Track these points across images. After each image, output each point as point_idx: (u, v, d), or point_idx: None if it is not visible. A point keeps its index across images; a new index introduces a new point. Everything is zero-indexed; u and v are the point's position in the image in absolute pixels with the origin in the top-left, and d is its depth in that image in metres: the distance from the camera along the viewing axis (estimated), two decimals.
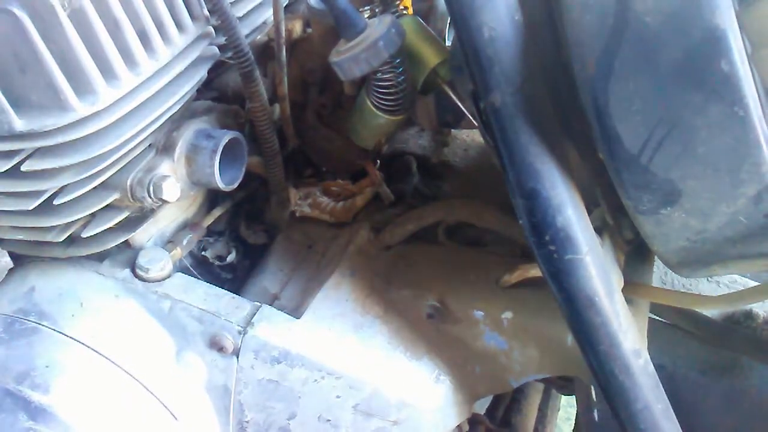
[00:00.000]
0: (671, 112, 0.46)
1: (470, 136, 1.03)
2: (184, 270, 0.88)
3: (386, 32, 0.71)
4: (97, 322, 0.77)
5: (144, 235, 0.83)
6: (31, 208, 0.69)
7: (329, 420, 0.78)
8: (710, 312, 0.88)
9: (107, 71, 0.65)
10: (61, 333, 0.75)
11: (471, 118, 0.81)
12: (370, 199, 0.93)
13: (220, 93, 0.92)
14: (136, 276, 0.80)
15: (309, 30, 0.92)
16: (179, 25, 0.72)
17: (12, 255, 0.90)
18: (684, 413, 0.62)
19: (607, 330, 0.55)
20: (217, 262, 0.93)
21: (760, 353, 0.82)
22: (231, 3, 0.75)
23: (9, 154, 0.66)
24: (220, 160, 0.77)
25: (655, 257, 0.68)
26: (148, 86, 0.70)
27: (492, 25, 0.50)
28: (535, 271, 0.74)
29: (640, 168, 0.48)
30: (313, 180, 0.98)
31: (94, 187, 0.72)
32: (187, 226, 0.88)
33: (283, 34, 0.82)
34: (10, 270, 0.85)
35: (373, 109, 0.82)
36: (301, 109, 0.94)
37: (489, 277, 0.79)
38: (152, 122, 0.71)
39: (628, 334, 0.56)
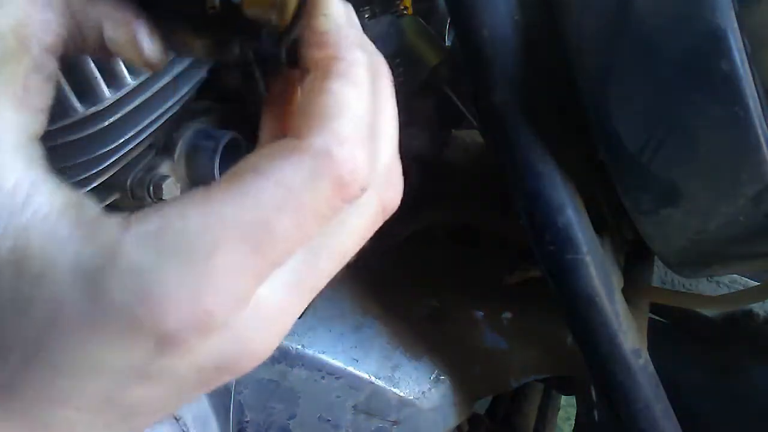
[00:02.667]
0: (671, 112, 0.46)
1: (470, 136, 1.03)
2: None
3: (384, 32, 0.71)
4: None
5: None
6: None
7: (329, 420, 0.78)
8: (710, 312, 0.88)
9: (108, 71, 0.65)
10: None
11: (471, 118, 0.81)
12: None
13: (220, 93, 0.92)
14: None
15: None
16: None
17: None
18: (684, 413, 0.62)
19: (607, 330, 0.55)
20: None
21: (760, 353, 0.82)
22: None
23: None
24: (220, 160, 0.77)
25: (655, 257, 0.68)
26: (149, 86, 0.70)
27: (492, 25, 0.50)
28: (535, 271, 0.74)
29: (640, 168, 0.48)
30: None
31: (94, 187, 0.71)
32: None
33: None
34: None
35: None
36: None
37: (489, 277, 0.79)
38: (152, 122, 0.71)
39: (628, 334, 0.56)
